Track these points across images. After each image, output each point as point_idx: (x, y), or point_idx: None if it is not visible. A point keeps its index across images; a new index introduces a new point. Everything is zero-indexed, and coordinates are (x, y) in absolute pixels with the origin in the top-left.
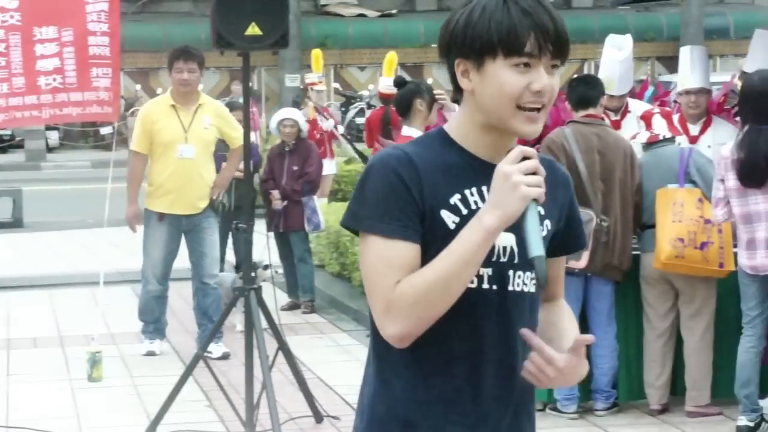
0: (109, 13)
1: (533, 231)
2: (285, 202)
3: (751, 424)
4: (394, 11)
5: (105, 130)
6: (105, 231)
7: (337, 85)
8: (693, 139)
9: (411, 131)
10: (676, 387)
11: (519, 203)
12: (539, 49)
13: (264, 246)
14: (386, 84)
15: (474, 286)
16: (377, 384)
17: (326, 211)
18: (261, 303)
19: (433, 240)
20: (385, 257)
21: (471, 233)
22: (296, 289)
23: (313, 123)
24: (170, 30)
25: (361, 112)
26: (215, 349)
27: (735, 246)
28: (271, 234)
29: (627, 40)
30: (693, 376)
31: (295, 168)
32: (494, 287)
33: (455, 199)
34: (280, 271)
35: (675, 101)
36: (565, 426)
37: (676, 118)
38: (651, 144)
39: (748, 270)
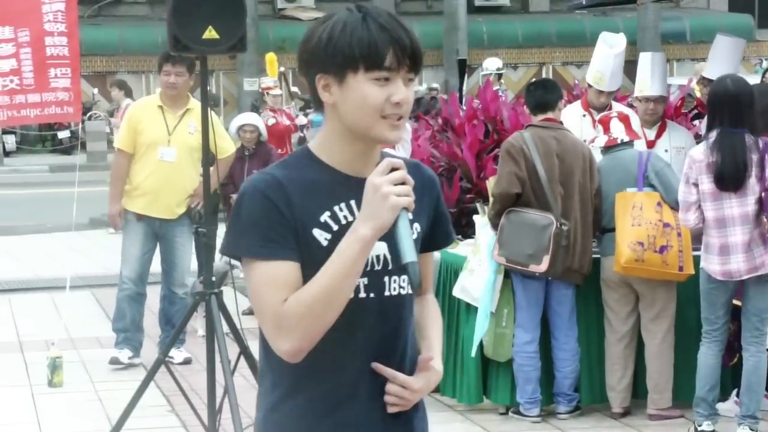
0: (66, 13)
1: (405, 238)
2: None
3: (714, 428)
4: None
5: (63, 134)
6: (65, 235)
7: (295, 89)
8: (650, 144)
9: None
10: (638, 390)
11: (390, 213)
12: (398, 63)
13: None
14: None
15: (352, 296)
16: (270, 397)
17: None
18: (222, 307)
19: (309, 258)
20: (269, 278)
21: (348, 246)
22: None
23: (289, 116)
24: (127, 34)
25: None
26: (177, 354)
27: (695, 250)
28: None
29: (620, 38)
30: (654, 379)
31: (255, 171)
32: (371, 295)
33: (325, 216)
34: (242, 275)
35: (632, 105)
36: (527, 429)
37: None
38: (609, 148)
39: (719, 276)
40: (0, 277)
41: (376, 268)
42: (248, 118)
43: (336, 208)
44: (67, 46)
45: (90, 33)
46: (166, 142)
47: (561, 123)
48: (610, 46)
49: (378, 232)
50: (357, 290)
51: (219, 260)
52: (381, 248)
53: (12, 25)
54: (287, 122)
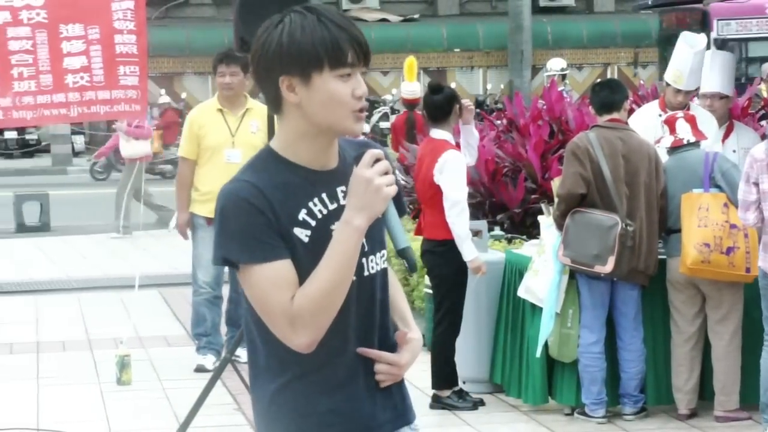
0: (135, 11)
1: (397, 225)
2: None
3: None
4: (416, 16)
5: None
6: (132, 235)
7: None
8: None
9: (445, 135)
10: (705, 391)
11: (383, 203)
12: (357, 59)
13: None
14: (409, 89)
15: None
16: (272, 382)
17: None
18: None
19: (295, 256)
20: (271, 280)
21: (346, 238)
22: None
23: None
24: (193, 35)
25: (385, 117)
26: (244, 354)
27: None
28: None
29: (701, 38)
30: (721, 381)
31: None
32: (354, 278)
33: (302, 214)
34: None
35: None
36: (593, 430)
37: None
38: (675, 148)
39: None
40: (70, 275)
41: None
42: None
43: (311, 204)
44: (136, 45)
45: (157, 34)
46: (230, 144)
47: (626, 123)
48: (690, 46)
49: (371, 222)
50: None
51: None
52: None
53: (82, 22)
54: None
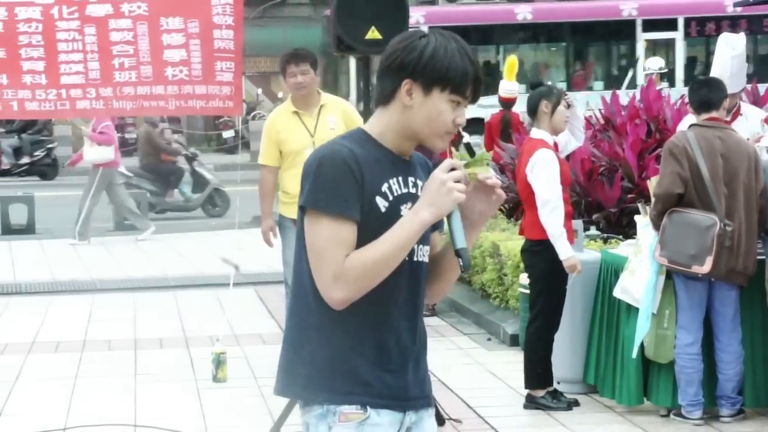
0: (233, 6)
1: (458, 227)
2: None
3: None
4: None
5: (227, 134)
6: (228, 233)
7: None
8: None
9: (540, 133)
10: None
11: (451, 205)
12: (471, 95)
13: None
14: (506, 88)
15: None
16: (319, 332)
17: None
18: None
19: (368, 221)
20: (335, 235)
21: (410, 224)
22: None
23: None
24: (291, 34)
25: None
26: None
27: None
28: None
29: (740, 38)
30: None
31: None
32: (407, 259)
33: (385, 187)
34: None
35: None
36: None
37: None
38: None
39: None
40: (167, 273)
41: None
42: None
43: (391, 181)
44: (233, 40)
45: (254, 33)
46: (311, 144)
47: (726, 122)
48: (731, 48)
49: (437, 218)
50: None
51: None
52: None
53: (182, 15)
54: None
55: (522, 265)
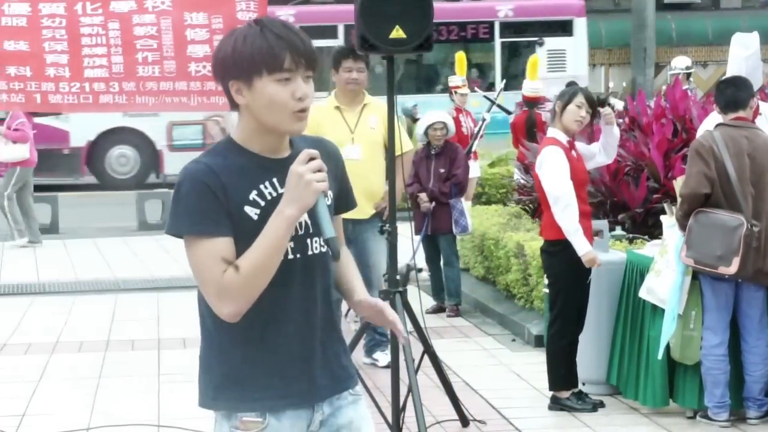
0: (258, 2)
1: (324, 216)
2: (433, 204)
3: None
4: None
5: None
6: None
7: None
8: None
9: (554, 132)
10: None
11: (313, 197)
12: (295, 65)
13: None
14: (530, 87)
15: (282, 258)
16: (220, 347)
17: (470, 215)
18: (407, 306)
19: (242, 232)
20: (209, 252)
21: (276, 225)
22: (442, 292)
23: (457, 124)
24: None
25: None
26: (381, 357)
27: None
28: (417, 237)
29: (754, 37)
30: None
31: (442, 170)
32: (298, 255)
33: (253, 195)
34: (427, 274)
35: None
36: None
37: None
38: None
39: None
40: (190, 273)
41: (300, 233)
42: (438, 115)
43: (261, 187)
44: None
45: None
46: (350, 140)
47: (753, 122)
48: (745, 47)
49: (301, 213)
50: (286, 253)
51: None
52: (302, 216)
53: (206, 11)
54: (470, 122)
55: None
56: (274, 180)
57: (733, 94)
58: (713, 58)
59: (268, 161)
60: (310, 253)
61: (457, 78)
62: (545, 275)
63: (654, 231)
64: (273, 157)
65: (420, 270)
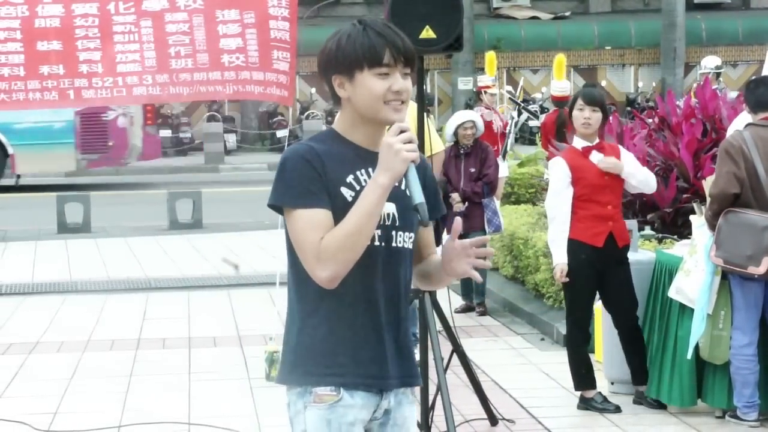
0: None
1: (414, 184)
2: (466, 204)
3: None
4: (567, 13)
5: (281, 133)
6: (281, 232)
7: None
8: None
9: (573, 139)
10: None
11: (402, 165)
12: (394, 60)
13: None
14: (558, 87)
15: (368, 243)
16: (300, 322)
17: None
18: (435, 305)
19: (335, 211)
20: (309, 222)
21: (370, 191)
22: (470, 291)
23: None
24: None
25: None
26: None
27: None
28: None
29: None
30: None
31: (473, 170)
32: (383, 244)
33: (350, 178)
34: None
35: None
36: None
37: None
38: None
39: None
40: (221, 272)
41: (387, 223)
42: (467, 115)
43: (358, 173)
44: (288, 32)
45: (308, 33)
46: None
47: None
48: None
49: (393, 181)
50: (372, 239)
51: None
52: (391, 208)
53: (238, 8)
54: (500, 122)
55: None
56: (370, 169)
57: (763, 94)
58: (743, 58)
59: (365, 152)
60: (394, 244)
61: (487, 78)
62: None
63: (683, 231)
64: (370, 149)
65: None
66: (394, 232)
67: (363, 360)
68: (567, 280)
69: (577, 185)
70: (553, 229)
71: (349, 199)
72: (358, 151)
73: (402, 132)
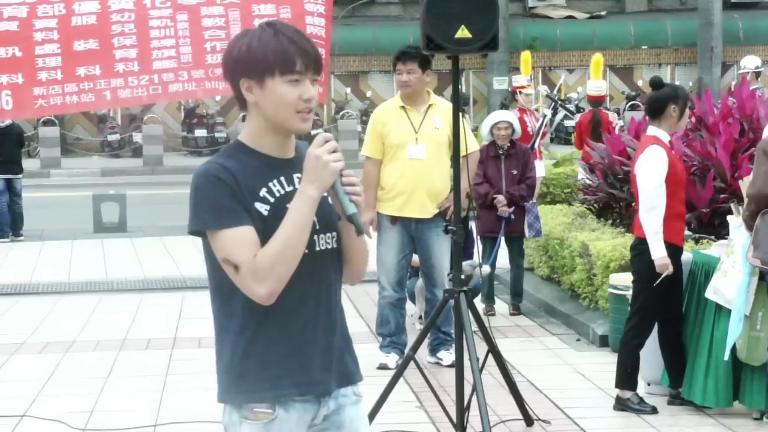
0: None
1: (343, 194)
2: (512, 208)
3: None
4: (603, 13)
5: (315, 132)
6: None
7: (545, 88)
8: None
9: (658, 132)
10: None
11: (331, 176)
12: (305, 68)
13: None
14: (594, 86)
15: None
16: (230, 340)
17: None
18: (471, 305)
19: (254, 226)
20: (237, 241)
21: (300, 204)
22: (493, 295)
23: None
24: (380, 34)
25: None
26: (446, 356)
27: None
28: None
29: None
30: None
31: (514, 172)
32: (307, 251)
33: (263, 192)
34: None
35: None
36: None
37: None
38: None
39: None
40: None
41: None
42: (502, 115)
43: (270, 184)
44: (324, 28)
45: (344, 33)
46: (413, 140)
47: None
48: None
49: (321, 192)
50: None
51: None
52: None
53: (274, 3)
54: (535, 122)
55: (611, 265)
56: (282, 178)
57: None
58: None
59: (276, 161)
60: (318, 248)
61: (522, 78)
62: (632, 271)
63: (720, 231)
64: (280, 157)
65: (481, 266)
66: (316, 237)
67: (294, 369)
68: (671, 271)
69: (667, 180)
70: (653, 219)
71: (265, 213)
72: (267, 161)
73: (326, 142)
